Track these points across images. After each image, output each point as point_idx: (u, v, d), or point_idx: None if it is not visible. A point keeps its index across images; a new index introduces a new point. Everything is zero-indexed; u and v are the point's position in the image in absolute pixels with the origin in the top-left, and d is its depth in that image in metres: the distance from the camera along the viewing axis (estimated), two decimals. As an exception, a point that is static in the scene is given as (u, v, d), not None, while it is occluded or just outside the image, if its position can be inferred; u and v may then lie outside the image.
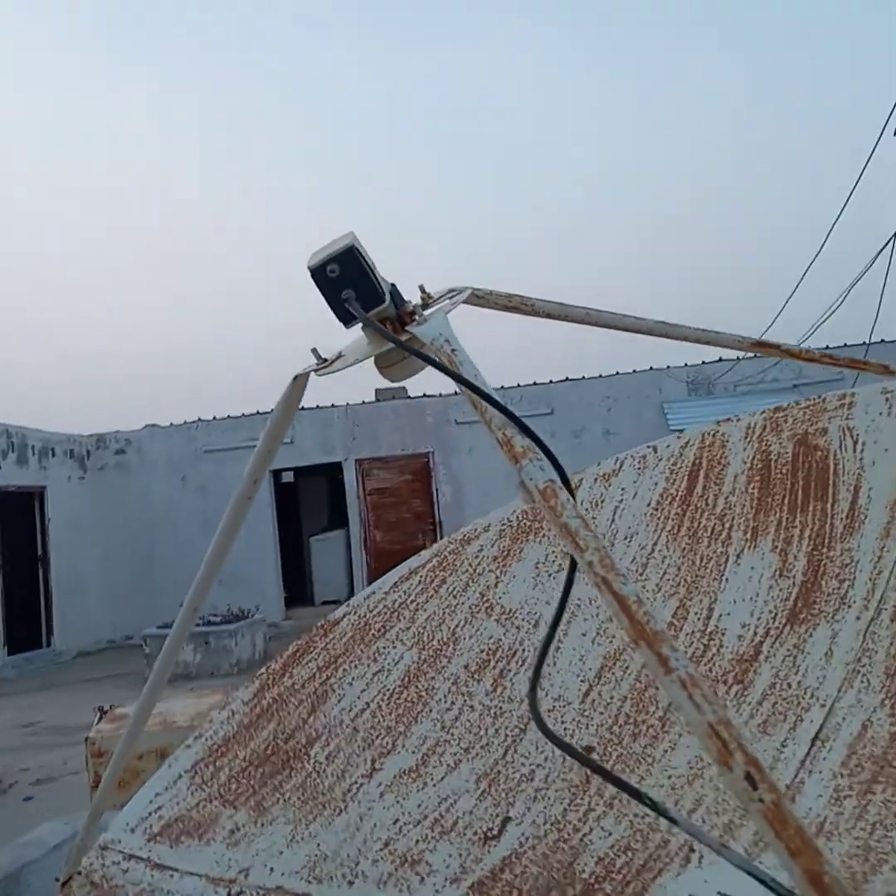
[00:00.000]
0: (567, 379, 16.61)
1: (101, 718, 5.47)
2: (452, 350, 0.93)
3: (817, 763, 1.53)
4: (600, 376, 16.59)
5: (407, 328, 1.00)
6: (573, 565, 1.03)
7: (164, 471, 17.26)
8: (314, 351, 1.09)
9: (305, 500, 20.15)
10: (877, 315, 8.32)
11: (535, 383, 16.66)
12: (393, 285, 1.05)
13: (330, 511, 19.80)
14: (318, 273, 1.00)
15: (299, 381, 1.09)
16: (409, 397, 17.28)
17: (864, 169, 7.54)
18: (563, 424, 16.05)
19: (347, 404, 17.01)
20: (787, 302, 10.00)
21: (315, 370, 1.08)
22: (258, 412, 16.76)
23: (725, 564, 1.96)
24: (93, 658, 15.34)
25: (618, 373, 16.49)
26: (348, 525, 17.18)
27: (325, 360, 1.08)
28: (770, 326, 11.79)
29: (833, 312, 9.17)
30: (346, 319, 1.01)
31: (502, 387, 16.69)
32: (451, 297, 1.07)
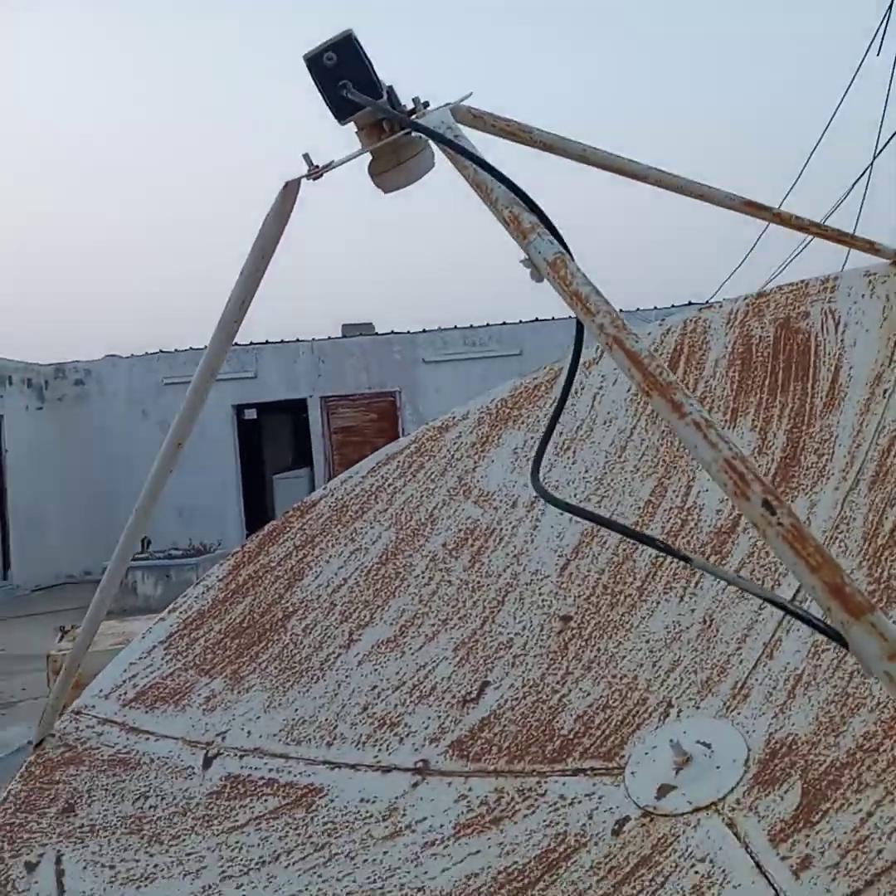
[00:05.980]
0: (536, 319, 16.53)
1: (62, 637, 5.44)
2: (456, 136, 0.89)
3: (796, 623, 1.55)
4: (569, 317, 16.44)
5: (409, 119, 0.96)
6: (579, 336, 1.01)
7: (125, 404, 16.96)
8: (306, 156, 1.04)
9: (269, 438, 19.98)
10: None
11: (504, 323, 16.56)
12: (390, 87, 1.00)
13: (294, 450, 19.65)
14: (315, 63, 0.95)
15: (290, 189, 1.04)
16: (376, 334, 17.08)
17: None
18: (532, 366, 15.99)
19: (313, 339, 16.77)
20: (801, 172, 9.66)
21: (307, 176, 1.04)
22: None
23: (705, 445, 1.96)
24: (51, 592, 15.21)
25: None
26: (312, 464, 17.09)
27: (317, 166, 1.03)
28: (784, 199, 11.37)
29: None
30: (342, 112, 0.96)
31: (471, 325, 16.57)
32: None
